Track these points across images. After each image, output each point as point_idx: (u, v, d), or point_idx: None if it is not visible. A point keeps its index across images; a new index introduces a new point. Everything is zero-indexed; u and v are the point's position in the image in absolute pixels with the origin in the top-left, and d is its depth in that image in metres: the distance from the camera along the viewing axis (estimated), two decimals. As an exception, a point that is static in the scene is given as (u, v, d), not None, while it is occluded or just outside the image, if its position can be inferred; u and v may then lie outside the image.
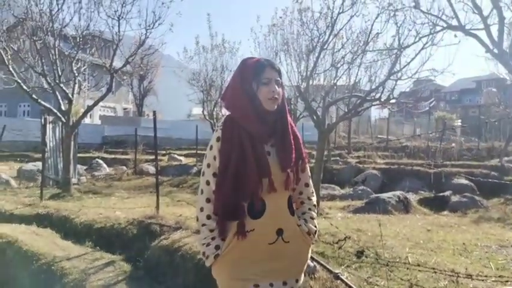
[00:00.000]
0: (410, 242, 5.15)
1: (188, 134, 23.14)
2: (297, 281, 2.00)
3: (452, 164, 12.53)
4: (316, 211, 2.11)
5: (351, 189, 10.46)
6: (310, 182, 2.11)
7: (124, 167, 16.59)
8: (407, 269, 3.51)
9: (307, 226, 1.98)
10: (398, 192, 8.44)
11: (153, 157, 15.61)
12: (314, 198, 2.12)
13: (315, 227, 2.03)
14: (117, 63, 12.92)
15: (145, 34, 10.21)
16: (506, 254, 4.98)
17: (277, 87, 1.92)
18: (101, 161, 17.33)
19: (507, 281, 2.80)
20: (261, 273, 1.88)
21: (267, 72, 1.93)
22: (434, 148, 15.89)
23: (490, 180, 8.31)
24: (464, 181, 10.58)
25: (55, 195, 9.70)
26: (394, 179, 11.42)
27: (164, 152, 20.92)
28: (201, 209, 1.95)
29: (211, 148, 1.95)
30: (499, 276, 2.90)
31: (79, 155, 14.71)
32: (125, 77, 29.85)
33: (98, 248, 5.74)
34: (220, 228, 1.91)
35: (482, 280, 3.47)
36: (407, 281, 3.59)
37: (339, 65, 8.24)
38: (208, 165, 1.95)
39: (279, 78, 1.95)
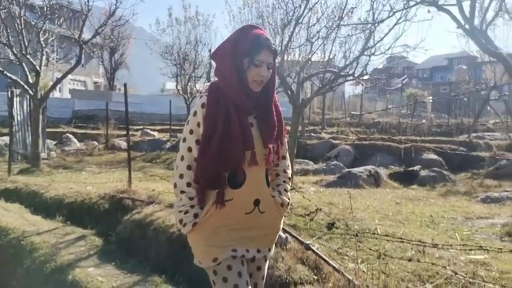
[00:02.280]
0: (380, 214, 5.29)
1: (162, 109, 22.81)
2: (269, 250, 2.05)
3: (422, 140, 12.83)
4: (290, 184, 2.13)
5: (324, 164, 10.60)
6: (287, 155, 2.12)
7: (95, 142, 16.29)
8: (376, 239, 3.60)
9: (280, 198, 2.01)
10: (369, 167, 8.61)
11: (125, 132, 15.38)
12: (289, 171, 2.14)
13: (288, 199, 2.06)
14: (87, 35, 12.52)
15: (116, 4, 9.90)
16: (471, 225, 5.17)
17: (267, 71, 1.89)
18: (71, 136, 16.94)
19: (470, 250, 2.91)
20: (238, 240, 1.91)
21: (262, 55, 1.86)
22: (405, 124, 16.21)
23: (457, 152, 8.54)
24: (433, 156, 10.86)
25: (24, 170, 9.48)
26: (366, 154, 11.62)
27: (137, 127, 20.61)
28: (181, 176, 1.91)
29: (195, 114, 1.90)
30: (463, 245, 3.00)
31: (48, 129, 14.34)
32: (95, 50, 28.96)
33: (68, 222, 5.68)
34: (200, 197, 1.91)
35: (447, 249, 3.61)
36: (376, 251, 3.69)
37: (313, 39, 8.23)
38: (191, 132, 1.91)
39: (271, 61, 1.90)
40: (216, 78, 1.96)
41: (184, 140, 1.93)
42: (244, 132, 1.86)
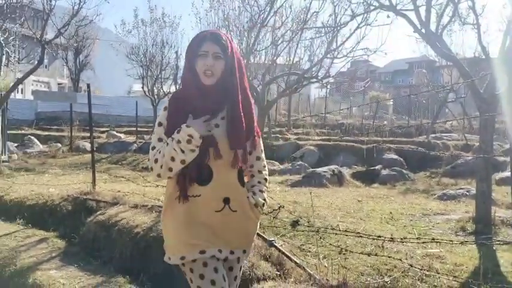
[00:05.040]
0: (342, 212, 5.44)
1: (128, 111, 22.49)
2: (244, 251, 2.05)
3: (383, 140, 13.21)
4: (267, 184, 2.13)
5: (290, 164, 10.75)
6: (262, 155, 2.13)
7: (59, 144, 15.90)
8: (337, 234, 3.72)
9: (254, 198, 2.01)
10: (333, 167, 8.81)
11: (89, 134, 15.07)
12: (265, 172, 2.14)
13: (264, 200, 2.05)
14: (50, 35, 12.22)
15: (79, 4, 9.72)
16: (428, 221, 5.39)
17: (213, 61, 1.91)
18: (33, 138, 16.45)
19: (424, 242, 3.07)
20: (208, 239, 1.92)
21: (205, 46, 1.92)
22: (367, 125, 16.64)
23: (416, 149, 8.86)
24: (394, 156, 11.22)
25: (-18, 173, 9.16)
26: (330, 154, 11.87)
27: (103, 129, 20.21)
28: (155, 161, 1.93)
29: (162, 112, 2.01)
30: (417, 238, 3.16)
31: (9, 131, 13.88)
32: (59, 51, 28.23)
33: (30, 225, 5.55)
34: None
35: (404, 244, 3.78)
36: (337, 246, 3.82)
37: (278, 42, 8.38)
38: (160, 124, 1.99)
39: (218, 51, 1.93)
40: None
41: (153, 132, 2.01)
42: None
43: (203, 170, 1.92)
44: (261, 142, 2.15)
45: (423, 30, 5.34)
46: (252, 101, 2.13)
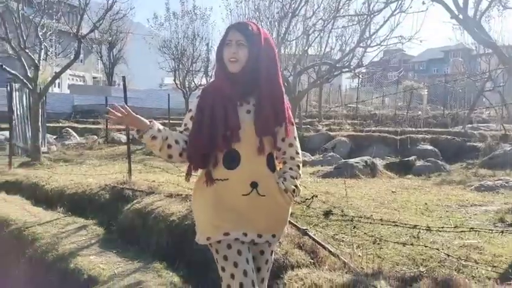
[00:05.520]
0: (375, 203, 5.38)
1: (160, 104, 22.83)
2: (274, 236, 2.08)
3: (417, 131, 12.92)
4: (299, 171, 2.14)
5: (321, 155, 10.68)
6: (295, 142, 2.14)
7: (95, 136, 16.36)
8: (371, 223, 3.69)
9: (284, 184, 2.04)
10: (365, 157, 8.68)
11: (124, 126, 15.39)
12: (298, 159, 2.15)
13: (295, 186, 2.07)
14: (85, 30, 12.57)
15: (113, -1, 9.95)
16: (465, 212, 5.27)
17: (236, 48, 1.99)
18: (71, 130, 17.02)
19: (462, 231, 3.01)
20: (234, 221, 1.98)
21: (230, 35, 2.01)
22: (401, 116, 16.30)
23: (454, 138, 8.59)
24: (428, 147, 10.95)
25: (24, 164, 9.56)
26: (362, 145, 11.69)
27: (136, 122, 20.59)
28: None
29: (194, 99, 2.13)
30: (454, 227, 3.10)
31: (48, 124, 14.40)
32: (93, 45, 28.94)
33: (69, 213, 5.76)
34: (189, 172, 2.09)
35: (441, 234, 3.72)
36: (372, 236, 3.80)
37: (310, 32, 8.31)
38: (189, 111, 2.11)
39: (242, 39, 1.99)
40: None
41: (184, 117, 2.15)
42: (227, 116, 1.98)
43: (230, 154, 1.98)
44: (295, 129, 2.17)
45: (460, 16, 5.18)
46: (284, 91, 2.15)
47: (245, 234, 1.99)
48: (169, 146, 2.00)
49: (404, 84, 26.04)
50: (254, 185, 1.99)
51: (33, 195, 6.60)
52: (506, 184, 6.90)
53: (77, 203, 6.01)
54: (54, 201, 6.23)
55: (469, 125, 14.60)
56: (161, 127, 2.02)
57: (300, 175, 2.13)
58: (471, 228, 2.99)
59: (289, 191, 2.04)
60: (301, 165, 2.17)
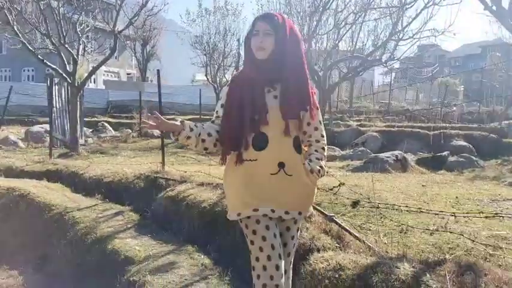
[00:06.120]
0: (404, 195, 5.37)
1: (192, 99, 23.18)
2: (300, 213, 2.22)
3: (452, 127, 12.69)
4: (324, 153, 2.28)
5: (351, 150, 10.65)
6: (320, 126, 2.29)
7: (129, 130, 16.83)
8: (398, 211, 3.73)
9: (310, 165, 2.18)
10: (396, 152, 8.61)
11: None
12: (323, 141, 2.29)
13: (320, 166, 2.21)
14: (121, 27, 12.96)
15: (148, -5, 10.23)
16: (496, 206, 5.18)
17: (262, 37, 2.13)
18: (106, 124, 17.58)
19: (487, 217, 3.03)
20: (263, 199, 2.12)
21: (257, 25, 2.16)
22: (435, 112, 16.00)
23: (489, 135, 8.34)
24: (463, 143, 10.75)
25: (63, 154, 9.99)
26: (393, 140, 11.57)
27: (168, 116, 20.92)
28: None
29: (224, 88, 2.30)
30: (479, 212, 3.12)
31: (84, 118, 14.94)
32: (128, 41, 29.65)
33: (107, 200, 6.03)
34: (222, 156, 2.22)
35: (468, 225, 3.72)
36: (398, 225, 3.84)
37: (341, 25, 8.32)
38: (219, 98, 2.28)
39: (268, 29, 2.13)
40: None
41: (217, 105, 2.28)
42: (255, 100, 2.12)
43: (259, 137, 2.11)
44: (320, 114, 2.32)
45: (494, 8, 5.09)
46: (309, 77, 2.29)
47: (273, 211, 2.12)
48: (203, 141, 2.15)
49: (439, 80, 25.48)
50: (281, 165, 2.12)
51: (73, 183, 6.92)
52: (541, 180, 6.73)
53: (114, 191, 6.28)
54: (92, 188, 6.52)
55: (506, 122, 14.21)
56: (192, 125, 2.15)
57: (324, 157, 2.27)
58: (496, 214, 3.01)
59: (314, 172, 2.17)
60: (326, 147, 2.30)
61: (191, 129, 2.12)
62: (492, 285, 2.29)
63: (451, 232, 3.15)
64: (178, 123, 2.12)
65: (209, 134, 2.16)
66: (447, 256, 3.26)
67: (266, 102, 2.13)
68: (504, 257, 3.20)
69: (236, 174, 2.16)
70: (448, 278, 2.33)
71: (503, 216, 3.18)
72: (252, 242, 2.10)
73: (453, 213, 3.05)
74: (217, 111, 2.24)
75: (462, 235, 3.18)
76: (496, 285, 2.31)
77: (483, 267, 2.47)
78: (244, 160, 2.13)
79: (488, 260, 3.17)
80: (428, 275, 2.38)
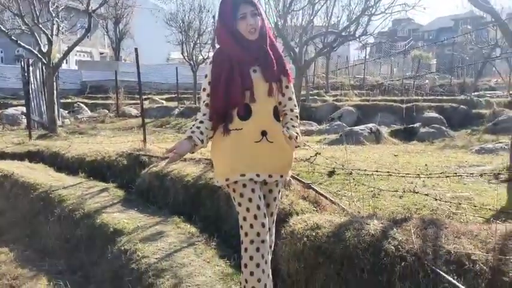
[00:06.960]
0: (377, 164, 5.67)
1: (167, 78, 23.04)
2: (281, 176, 2.46)
3: (424, 99, 13.12)
4: (298, 121, 2.52)
5: (328, 125, 10.96)
6: (293, 96, 2.53)
7: (106, 110, 16.76)
8: (369, 176, 4.01)
9: (288, 132, 2.38)
10: (370, 125, 8.95)
11: (133, 101, 15.77)
12: (296, 110, 2.53)
13: (297, 133, 2.43)
14: (94, 6, 12.76)
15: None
16: (463, 171, 5.54)
17: (252, 19, 2.30)
18: (82, 105, 17.43)
19: (447, 176, 3.33)
20: (249, 164, 2.34)
21: (241, 8, 2.30)
22: (408, 85, 16.43)
23: (459, 106, 8.79)
24: (434, 114, 11.19)
25: (42, 136, 9.98)
26: (368, 114, 11.94)
27: (144, 96, 20.86)
28: (199, 110, 2.44)
29: (207, 66, 2.44)
30: (441, 173, 3.42)
31: (60, 100, 14.78)
32: (100, 20, 29.01)
33: (91, 178, 6.16)
34: (211, 128, 2.39)
35: (434, 188, 4.04)
36: (371, 191, 4.13)
37: (315, 1, 8.46)
38: (206, 76, 2.42)
39: (254, 9, 2.31)
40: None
41: (203, 88, 2.43)
42: (243, 77, 2.32)
43: (243, 108, 2.33)
44: (292, 86, 2.55)
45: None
46: (278, 45, 2.53)
47: (258, 175, 2.36)
48: (210, 138, 2.40)
49: (412, 54, 25.95)
50: (264, 133, 2.35)
51: (55, 163, 7.00)
52: (505, 147, 7.13)
53: (97, 169, 6.41)
54: (75, 168, 6.63)
55: (476, 93, 14.73)
56: (199, 134, 2.33)
57: (298, 124, 2.51)
58: (455, 173, 3.31)
59: (292, 138, 2.38)
60: (298, 116, 2.55)
61: (201, 141, 2.33)
62: (452, 236, 2.58)
63: (417, 193, 3.44)
64: (187, 141, 2.32)
65: (207, 129, 2.37)
66: (414, 215, 3.58)
67: (252, 78, 2.34)
68: (466, 215, 3.53)
69: (224, 144, 2.36)
70: (412, 231, 2.61)
71: (461, 175, 3.47)
72: (239, 204, 2.33)
73: (418, 174, 3.33)
74: (204, 88, 2.40)
75: (428, 195, 3.47)
76: (455, 236, 2.59)
77: (445, 223, 2.76)
78: (231, 130, 2.33)
79: (451, 218, 3.49)
80: (395, 229, 2.65)
